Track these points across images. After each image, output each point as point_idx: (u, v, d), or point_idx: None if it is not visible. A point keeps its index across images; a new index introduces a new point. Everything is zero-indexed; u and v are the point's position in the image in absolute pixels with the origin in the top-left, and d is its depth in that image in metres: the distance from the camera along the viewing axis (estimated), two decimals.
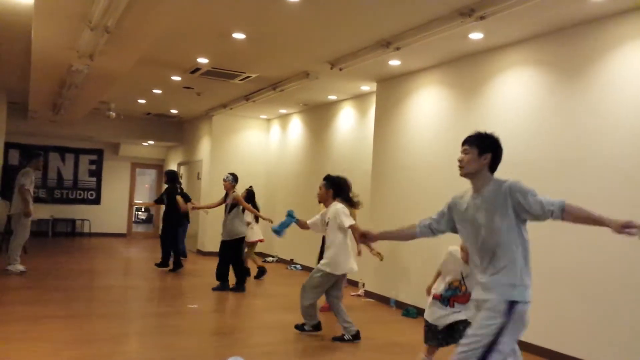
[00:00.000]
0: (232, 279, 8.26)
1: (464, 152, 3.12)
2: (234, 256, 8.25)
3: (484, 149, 3.09)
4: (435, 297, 4.38)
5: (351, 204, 6.54)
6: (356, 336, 5.60)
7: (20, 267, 8.59)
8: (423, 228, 3.35)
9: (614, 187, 4.87)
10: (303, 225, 5.89)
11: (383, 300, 7.71)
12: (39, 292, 7.26)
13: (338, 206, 5.65)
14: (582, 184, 5.13)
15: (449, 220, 3.25)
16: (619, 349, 4.72)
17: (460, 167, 3.13)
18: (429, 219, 3.35)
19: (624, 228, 2.67)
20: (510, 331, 2.86)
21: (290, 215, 5.70)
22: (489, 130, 3.18)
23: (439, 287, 4.38)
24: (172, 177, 10.07)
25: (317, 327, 5.82)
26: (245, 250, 9.41)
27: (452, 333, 4.26)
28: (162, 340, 5.35)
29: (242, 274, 8.29)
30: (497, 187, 3.02)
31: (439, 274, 4.52)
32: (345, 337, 5.59)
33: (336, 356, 5.18)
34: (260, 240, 9.73)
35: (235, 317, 6.83)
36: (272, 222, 9.32)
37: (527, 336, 5.43)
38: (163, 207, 10.18)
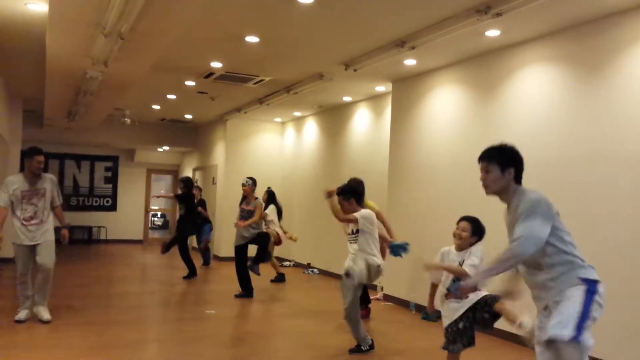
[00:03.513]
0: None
1: (484, 170, 2.99)
2: (265, 248, 8.14)
3: (506, 163, 2.97)
4: (447, 297, 4.17)
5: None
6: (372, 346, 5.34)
7: (21, 315, 5.93)
8: None
9: (636, 183, 4.75)
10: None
11: (402, 303, 7.61)
12: (57, 299, 7.23)
13: (366, 210, 5.33)
14: (602, 181, 5.03)
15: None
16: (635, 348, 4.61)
17: (485, 186, 3.01)
18: None
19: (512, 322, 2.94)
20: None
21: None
22: (504, 140, 3.08)
23: (446, 283, 4.19)
24: (188, 184, 9.97)
25: (372, 345, 5.39)
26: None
27: (460, 332, 4.08)
28: (181, 347, 5.31)
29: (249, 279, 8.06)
30: (519, 199, 2.93)
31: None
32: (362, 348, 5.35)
33: None
34: (279, 244, 9.64)
35: (253, 322, 6.79)
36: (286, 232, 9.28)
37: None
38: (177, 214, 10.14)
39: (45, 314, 5.90)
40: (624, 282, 4.76)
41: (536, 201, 2.88)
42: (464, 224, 4.13)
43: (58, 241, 6.03)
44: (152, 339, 5.73)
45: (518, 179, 3.00)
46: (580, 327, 2.75)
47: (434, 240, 6.82)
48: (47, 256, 5.84)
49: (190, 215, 9.83)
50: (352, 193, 5.35)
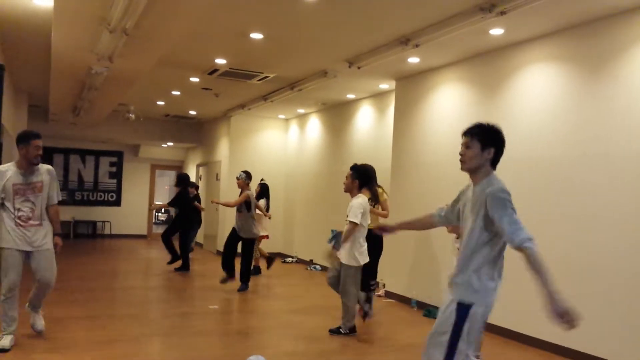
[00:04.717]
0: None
1: (465, 145, 2.98)
2: (249, 255, 8.23)
3: (487, 143, 2.93)
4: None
5: (375, 199, 6.52)
6: (352, 330, 5.72)
7: (5, 341, 4.67)
8: (441, 218, 3.28)
9: (638, 183, 4.77)
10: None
11: (404, 300, 7.64)
12: (62, 293, 7.29)
13: (357, 200, 5.67)
14: (605, 180, 5.03)
15: (458, 210, 3.15)
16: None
17: (462, 161, 2.99)
18: (444, 208, 3.28)
19: (559, 317, 2.54)
20: (465, 334, 2.83)
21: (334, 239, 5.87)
22: (492, 122, 3.03)
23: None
24: (183, 180, 10.05)
25: (353, 329, 5.81)
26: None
27: None
28: (184, 341, 5.36)
29: (249, 273, 8.26)
30: (483, 188, 2.87)
31: None
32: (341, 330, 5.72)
33: (357, 357, 5.14)
34: (266, 237, 9.78)
35: (255, 317, 6.83)
36: (270, 217, 9.43)
37: (548, 334, 5.35)
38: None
39: (39, 322, 5.04)
40: (628, 281, 4.78)
41: (507, 194, 2.81)
42: None
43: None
44: (156, 333, 5.77)
45: (495, 162, 2.97)
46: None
47: (437, 238, 6.86)
48: (48, 269, 4.82)
49: (185, 214, 9.94)
50: (362, 176, 5.73)
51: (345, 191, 5.84)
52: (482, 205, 2.83)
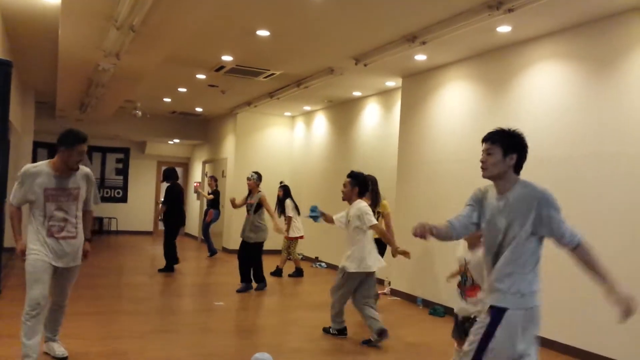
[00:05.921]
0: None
1: (486, 151, 2.91)
2: (257, 259, 8.02)
3: (509, 148, 2.87)
4: (458, 286, 4.35)
5: (375, 203, 6.47)
6: (381, 334, 5.34)
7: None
8: (461, 229, 3.07)
9: None
10: (329, 220, 5.83)
11: (410, 298, 7.63)
12: None
13: (361, 205, 5.52)
14: (612, 178, 5.01)
15: (482, 213, 3.01)
16: None
17: (483, 168, 2.93)
18: (460, 219, 3.05)
19: (624, 313, 2.65)
20: (501, 336, 2.77)
21: (313, 212, 5.79)
22: (513, 127, 2.98)
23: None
24: (170, 175, 9.59)
25: (342, 331, 5.65)
26: (288, 247, 9.59)
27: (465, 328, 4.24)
28: (190, 338, 5.37)
29: (262, 274, 8.08)
30: (526, 193, 2.82)
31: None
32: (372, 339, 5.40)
33: (363, 355, 5.14)
34: (301, 237, 9.75)
35: (261, 314, 6.84)
36: (286, 233, 9.35)
37: (559, 335, 5.34)
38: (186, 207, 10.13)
39: (59, 349, 4.33)
40: (635, 281, 4.75)
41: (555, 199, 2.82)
42: None
43: None
44: (162, 330, 5.79)
45: (518, 167, 2.91)
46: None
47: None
48: (68, 289, 4.29)
49: (175, 208, 9.51)
50: (360, 183, 5.62)
51: (344, 199, 5.64)
52: (531, 210, 2.77)
